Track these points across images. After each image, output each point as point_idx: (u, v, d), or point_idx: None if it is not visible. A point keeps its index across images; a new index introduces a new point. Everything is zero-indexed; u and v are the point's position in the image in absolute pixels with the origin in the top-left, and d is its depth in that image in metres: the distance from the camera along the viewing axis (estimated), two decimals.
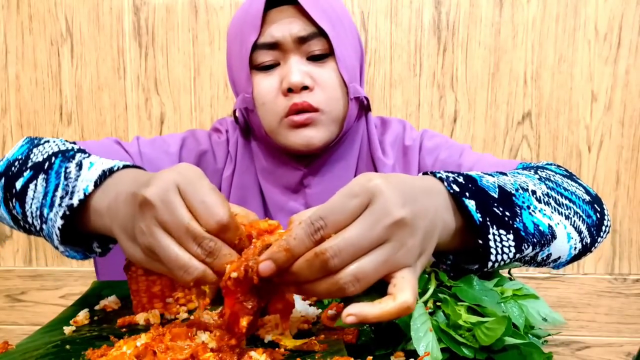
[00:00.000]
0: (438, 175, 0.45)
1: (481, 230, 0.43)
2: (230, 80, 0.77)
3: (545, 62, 1.17)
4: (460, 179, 0.46)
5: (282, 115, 0.69)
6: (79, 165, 0.50)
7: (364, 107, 0.77)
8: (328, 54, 0.69)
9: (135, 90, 1.22)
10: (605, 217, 0.59)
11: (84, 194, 0.47)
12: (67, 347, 0.46)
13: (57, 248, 0.50)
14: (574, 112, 1.18)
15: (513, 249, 0.45)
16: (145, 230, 0.39)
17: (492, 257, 0.44)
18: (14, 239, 1.28)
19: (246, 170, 0.77)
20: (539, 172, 0.58)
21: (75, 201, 0.47)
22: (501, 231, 0.44)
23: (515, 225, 0.45)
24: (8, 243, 1.29)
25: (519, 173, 0.55)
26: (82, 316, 0.53)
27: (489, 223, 0.44)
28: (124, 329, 0.50)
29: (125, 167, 0.50)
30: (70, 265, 1.28)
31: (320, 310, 0.52)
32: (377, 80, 1.20)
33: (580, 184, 0.60)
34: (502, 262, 0.45)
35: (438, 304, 0.44)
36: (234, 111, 0.76)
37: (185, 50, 1.21)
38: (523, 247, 0.46)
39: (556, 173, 0.60)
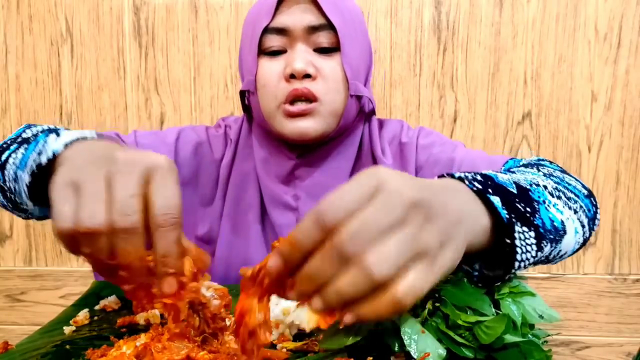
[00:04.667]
0: (457, 175, 0.44)
1: (508, 228, 0.42)
2: (239, 67, 0.79)
3: (545, 62, 1.17)
4: (479, 177, 0.44)
5: (281, 100, 0.70)
6: (59, 135, 0.50)
7: (365, 111, 0.77)
8: (335, 48, 0.70)
9: (135, 90, 1.22)
10: (598, 211, 0.60)
11: (53, 153, 0.46)
12: (67, 347, 0.46)
13: (26, 210, 0.51)
14: (574, 112, 1.18)
15: (535, 247, 0.44)
16: (88, 169, 0.36)
17: (518, 257, 0.43)
18: (14, 239, 1.29)
19: (247, 157, 0.79)
20: (540, 169, 0.58)
21: (43, 160, 0.46)
22: (524, 228, 0.43)
23: (535, 222, 0.45)
24: (8, 243, 1.29)
25: (524, 171, 0.55)
26: (82, 316, 0.53)
27: (514, 220, 0.43)
28: (124, 329, 0.50)
29: (101, 137, 0.50)
30: (70, 265, 1.28)
31: None
32: (377, 80, 1.20)
33: (576, 179, 0.61)
34: (526, 262, 0.44)
35: (437, 304, 0.44)
36: (241, 92, 0.77)
37: (185, 50, 1.21)
38: (542, 244, 0.45)
39: (554, 169, 0.61)
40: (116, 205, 0.35)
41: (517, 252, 0.43)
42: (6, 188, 0.55)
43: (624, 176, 1.19)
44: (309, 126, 0.70)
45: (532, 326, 0.46)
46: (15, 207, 0.57)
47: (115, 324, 0.51)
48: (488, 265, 0.47)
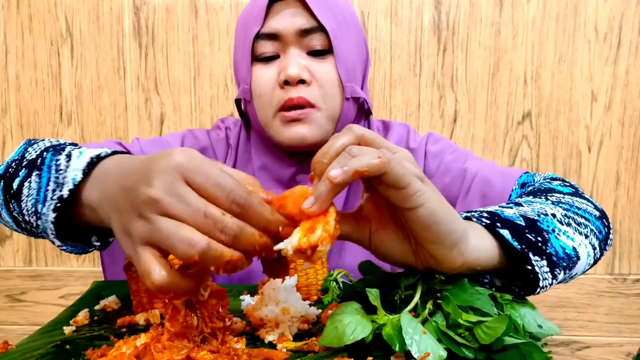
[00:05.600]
0: (464, 215, 0.47)
1: (523, 258, 0.44)
2: (234, 73, 0.78)
3: (545, 62, 1.17)
4: (485, 214, 0.47)
5: (276, 109, 0.69)
6: (69, 156, 0.49)
7: (364, 110, 0.77)
8: (328, 50, 0.69)
9: (135, 90, 1.22)
10: (611, 231, 0.60)
11: (73, 183, 0.45)
12: (67, 347, 0.46)
13: (53, 243, 0.49)
14: (574, 112, 1.18)
15: (550, 275, 0.46)
16: (147, 221, 0.36)
17: (541, 283, 0.45)
18: (14, 239, 1.28)
19: (247, 163, 0.78)
20: (549, 196, 0.58)
21: (65, 192, 0.45)
22: (536, 257, 0.45)
23: (547, 251, 0.46)
24: (8, 243, 1.29)
25: (532, 201, 0.55)
26: (82, 316, 0.53)
27: (526, 250, 0.44)
28: (124, 329, 0.50)
29: (113, 153, 0.48)
30: (70, 265, 1.28)
31: (320, 311, 0.52)
32: (377, 80, 1.20)
33: (588, 200, 0.60)
34: (545, 288, 0.46)
35: (438, 301, 0.44)
36: (236, 100, 0.77)
37: (185, 50, 1.21)
38: (555, 272, 0.46)
39: (564, 193, 0.60)
40: (205, 225, 0.35)
41: (539, 279, 0.45)
42: (20, 220, 0.53)
43: (624, 176, 1.19)
44: (306, 132, 0.69)
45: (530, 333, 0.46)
46: (31, 234, 0.55)
47: (115, 324, 0.51)
48: (506, 281, 0.48)
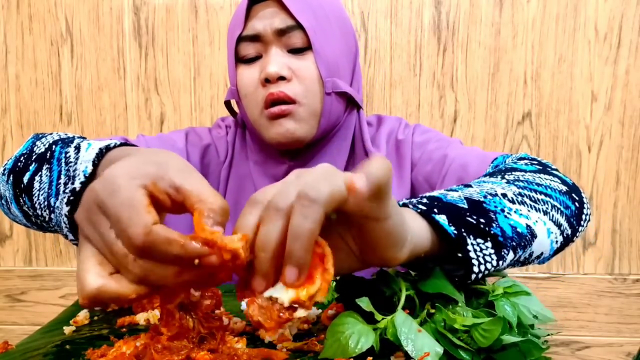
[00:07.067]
0: (401, 203, 0.45)
1: (458, 243, 0.43)
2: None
3: (545, 62, 1.17)
4: (424, 200, 0.46)
5: (261, 106, 0.71)
6: (77, 148, 0.49)
7: (354, 105, 0.77)
8: (308, 47, 0.70)
9: (135, 90, 1.22)
10: (585, 206, 0.58)
11: (84, 176, 0.44)
12: (67, 347, 0.46)
13: (66, 237, 0.48)
14: (574, 112, 1.18)
15: (494, 256, 0.45)
16: (81, 240, 0.35)
17: (475, 268, 0.44)
18: (14, 239, 1.29)
19: (243, 161, 0.79)
20: (506, 176, 0.57)
21: (77, 185, 0.44)
22: (479, 240, 0.44)
23: (492, 232, 0.45)
24: (8, 243, 1.29)
25: (484, 182, 0.54)
26: (82, 316, 0.53)
27: (464, 234, 0.43)
28: (124, 329, 0.50)
29: (122, 144, 0.47)
30: (70, 265, 1.28)
31: (320, 311, 0.52)
32: (377, 80, 1.20)
33: (555, 175, 0.59)
34: (487, 271, 0.45)
35: (432, 310, 0.44)
36: (225, 102, 0.78)
37: (185, 50, 1.21)
38: (503, 253, 0.45)
39: (527, 171, 0.59)
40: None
41: (473, 265, 0.43)
42: (31, 214, 0.52)
43: (624, 176, 1.19)
44: (293, 127, 0.70)
45: (532, 325, 0.46)
46: (41, 229, 0.55)
47: (115, 324, 0.51)
48: (452, 267, 0.47)
